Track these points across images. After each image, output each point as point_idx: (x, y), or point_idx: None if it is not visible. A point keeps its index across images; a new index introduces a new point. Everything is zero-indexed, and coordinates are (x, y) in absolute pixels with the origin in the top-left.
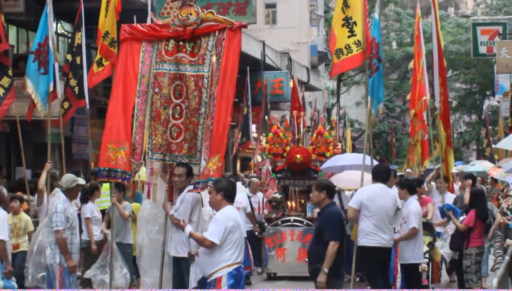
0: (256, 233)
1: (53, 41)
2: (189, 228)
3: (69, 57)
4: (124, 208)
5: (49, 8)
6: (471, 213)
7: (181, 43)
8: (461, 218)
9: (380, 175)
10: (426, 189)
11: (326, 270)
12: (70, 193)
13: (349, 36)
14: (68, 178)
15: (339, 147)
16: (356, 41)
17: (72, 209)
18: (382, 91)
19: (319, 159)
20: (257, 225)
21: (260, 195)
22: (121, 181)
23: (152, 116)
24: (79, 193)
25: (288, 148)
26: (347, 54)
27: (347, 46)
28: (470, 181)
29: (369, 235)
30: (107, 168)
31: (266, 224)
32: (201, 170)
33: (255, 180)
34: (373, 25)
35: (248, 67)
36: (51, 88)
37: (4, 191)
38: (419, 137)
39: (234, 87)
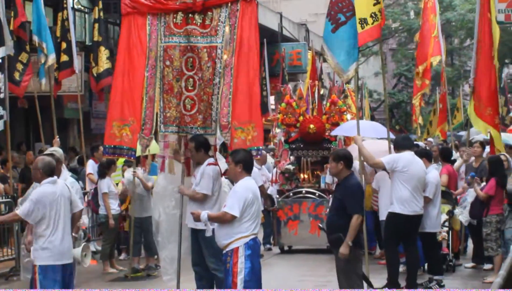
0: (265, 206)
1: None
2: (205, 214)
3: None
4: (146, 181)
5: None
6: (491, 181)
7: (190, 15)
8: (482, 185)
9: (406, 143)
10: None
11: (350, 243)
12: None
13: (374, 4)
14: None
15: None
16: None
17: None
18: (354, 49)
19: (333, 129)
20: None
21: (264, 167)
22: (127, 157)
23: (164, 89)
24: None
25: (301, 118)
26: (372, 24)
27: (372, 15)
28: (480, 149)
29: (405, 202)
30: (112, 146)
31: (277, 196)
32: (217, 140)
33: (263, 152)
34: None
35: (265, 39)
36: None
37: None
38: (436, 105)
39: (255, 57)
